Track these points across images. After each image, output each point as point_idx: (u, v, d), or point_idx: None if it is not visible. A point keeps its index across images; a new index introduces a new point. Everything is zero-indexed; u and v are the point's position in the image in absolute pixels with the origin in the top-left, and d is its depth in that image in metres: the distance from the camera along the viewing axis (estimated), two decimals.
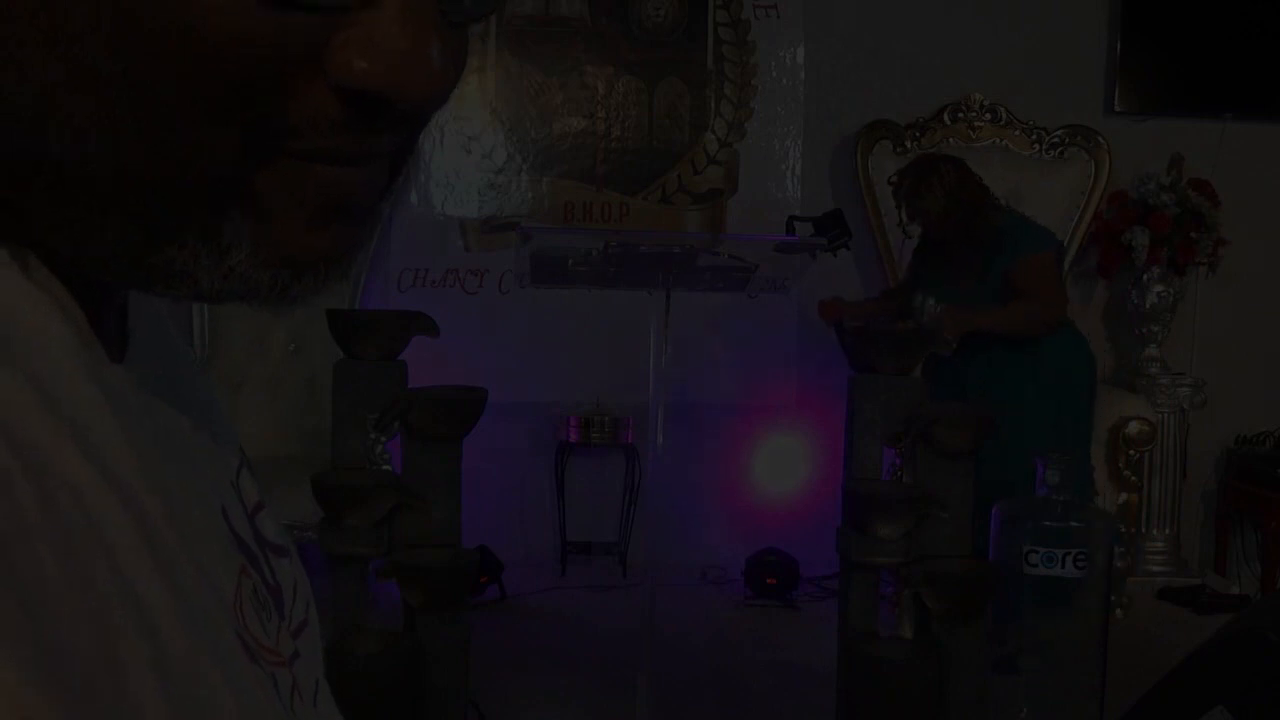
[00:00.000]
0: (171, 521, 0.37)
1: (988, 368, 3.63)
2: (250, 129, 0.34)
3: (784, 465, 4.65)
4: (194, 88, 0.33)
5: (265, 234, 0.36)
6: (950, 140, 4.68)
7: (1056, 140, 4.72)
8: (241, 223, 0.36)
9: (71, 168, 0.34)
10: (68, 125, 0.33)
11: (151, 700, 0.33)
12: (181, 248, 0.35)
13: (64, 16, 0.32)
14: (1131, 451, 4.24)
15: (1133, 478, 4.27)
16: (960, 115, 4.72)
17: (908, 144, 4.68)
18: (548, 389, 4.55)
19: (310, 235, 0.37)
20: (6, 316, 0.35)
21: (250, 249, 0.36)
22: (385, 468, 2.67)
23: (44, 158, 0.34)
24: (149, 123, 0.33)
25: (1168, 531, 4.58)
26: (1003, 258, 3.65)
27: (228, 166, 0.35)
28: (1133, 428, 4.21)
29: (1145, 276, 4.58)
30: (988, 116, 4.73)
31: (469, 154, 4.66)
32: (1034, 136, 4.73)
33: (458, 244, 4.66)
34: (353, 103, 0.35)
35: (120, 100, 0.33)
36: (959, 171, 3.78)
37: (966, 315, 3.62)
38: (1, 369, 0.33)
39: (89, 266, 0.37)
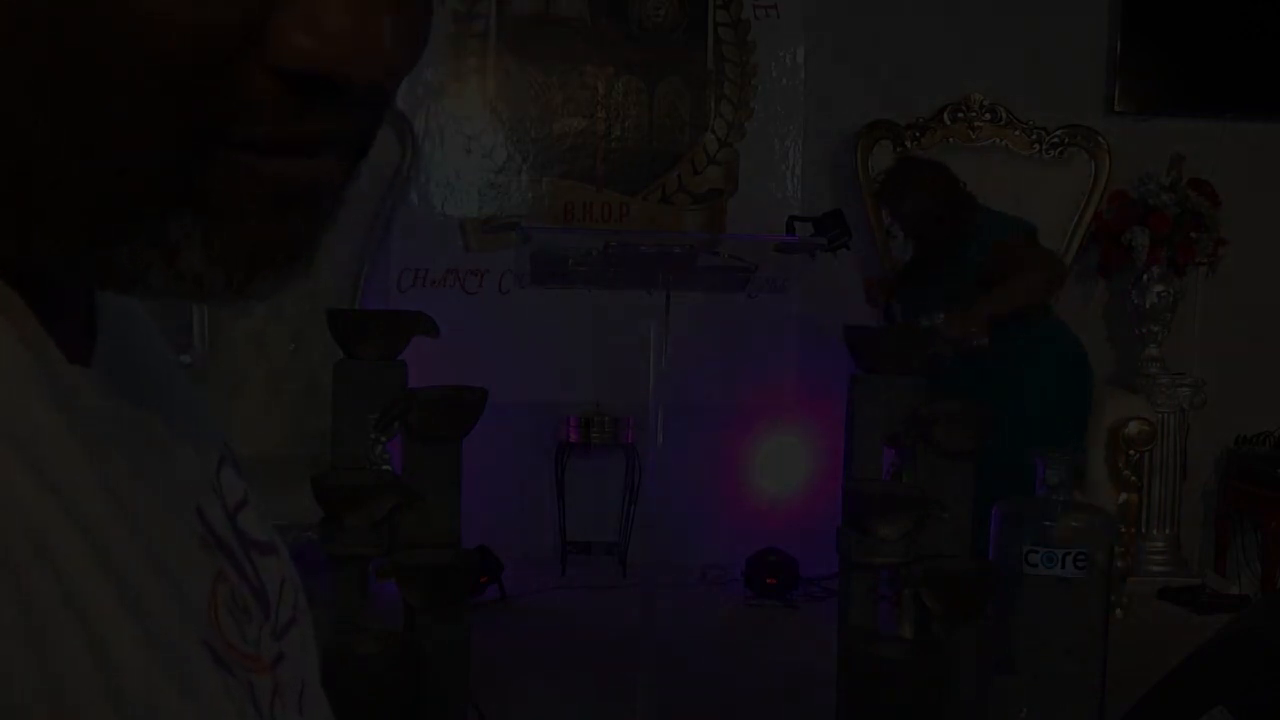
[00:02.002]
0: (130, 531, 0.35)
1: (978, 368, 3.61)
2: (191, 121, 0.33)
3: (784, 465, 4.65)
4: (130, 79, 0.32)
5: (216, 232, 0.34)
6: (950, 140, 4.68)
7: (1056, 140, 4.72)
8: (190, 221, 0.34)
9: (6, 167, 0.33)
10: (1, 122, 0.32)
11: None
12: (129, 248, 0.34)
13: None
14: (1131, 451, 4.23)
15: (1133, 478, 4.26)
16: (960, 115, 4.71)
17: (908, 144, 4.68)
18: (548, 389, 4.54)
19: (263, 231, 0.35)
20: None
21: (201, 248, 0.34)
22: (385, 468, 2.68)
23: None
24: (85, 117, 0.32)
25: (1168, 531, 4.58)
26: (975, 250, 3.65)
27: (170, 162, 0.33)
28: (1133, 428, 4.21)
29: (1145, 276, 4.58)
30: (988, 116, 4.73)
31: (469, 154, 4.65)
32: (1034, 136, 4.72)
33: (458, 244, 4.65)
34: (298, 87, 0.33)
35: (54, 94, 0.32)
36: (937, 173, 3.78)
37: (972, 315, 3.60)
38: None
39: (36, 268, 0.35)
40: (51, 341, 0.36)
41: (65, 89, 0.32)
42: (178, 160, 0.33)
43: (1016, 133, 4.73)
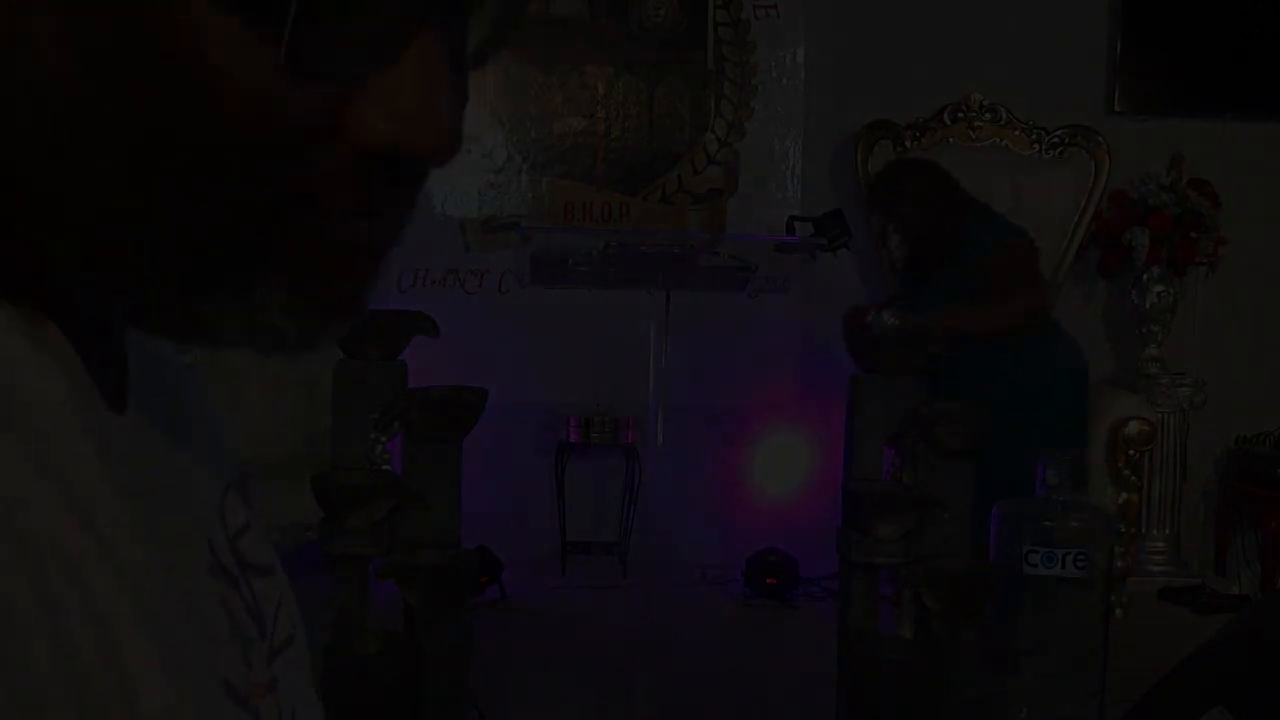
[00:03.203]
0: (160, 576, 0.38)
1: (976, 367, 3.60)
2: (277, 192, 0.36)
3: (784, 465, 4.65)
4: (221, 157, 0.34)
5: (298, 290, 0.37)
6: (950, 140, 4.68)
7: (1056, 140, 4.72)
8: (272, 279, 0.37)
9: (100, 232, 0.35)
10: (98, 197, 0.35)
11: None
12: (212, 302, 0.37)
13: (85, 89, 0.33)
14: (1131, 451, 4.23)
15: (1133, 478, 4.26)
16: (960, 115, 4.71)
17: (908, 144, 4.68)
18: (548, 389, 4.54)
19: (335, 284, 0.39)
20: (7, 381, 0.36)
21: (285, 305, 0.37)
22: (385, 468, 2.67)
23: (74, 222, 0.35)
24: (177, 188, 0.35)
25: (1168, 531, 4.58)
26: (975, 252, 3.64)
27: (257, 229, 0.36)
28: (1133, 428, 4.21)
29: (1145, 276, 4.58)
30: (988, 116, 4.73)
31: (469, 154, 4.65)
32: (1034, 136, 4.72)
33: (458, 244, 4.65)
34: (372, 160, 0.36)
35: (149, 169, 0.34)
36: (930, 175, 3.78)
37: (928, 322, 3.55)
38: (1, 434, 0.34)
39: (115, 319, 0.38)
40: (96, 389, 0.39)
41: (164, 168, 0.35)
42: (263, 228, 0.36)
43: (1016, 133, 4.73)
